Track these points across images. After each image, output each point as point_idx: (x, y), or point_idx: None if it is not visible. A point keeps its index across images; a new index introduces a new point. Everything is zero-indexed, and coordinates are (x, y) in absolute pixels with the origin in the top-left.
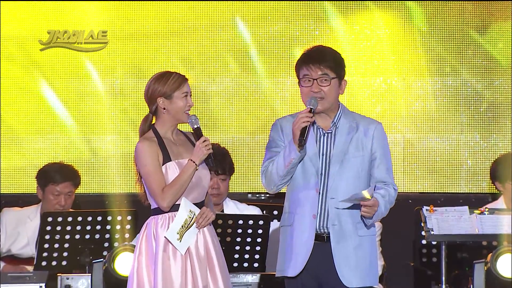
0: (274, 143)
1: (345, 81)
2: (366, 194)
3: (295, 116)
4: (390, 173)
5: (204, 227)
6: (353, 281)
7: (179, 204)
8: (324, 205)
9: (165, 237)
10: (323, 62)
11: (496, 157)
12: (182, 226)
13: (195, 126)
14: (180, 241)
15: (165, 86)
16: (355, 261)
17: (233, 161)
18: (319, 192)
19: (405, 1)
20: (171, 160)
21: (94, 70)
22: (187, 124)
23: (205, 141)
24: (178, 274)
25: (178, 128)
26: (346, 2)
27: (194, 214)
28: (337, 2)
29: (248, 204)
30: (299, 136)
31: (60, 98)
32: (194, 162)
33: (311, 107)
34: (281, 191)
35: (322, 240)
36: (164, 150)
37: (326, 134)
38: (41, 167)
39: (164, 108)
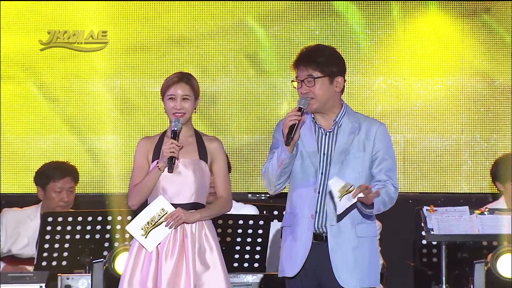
0: (276, 144)
1: (342, 78)
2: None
3: None
4: (391, 173)
5: (174, 227)
6: (350, 282)
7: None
8: (322, 204)
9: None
10: (308, 63)
11: (497, 157)
12: (148, 223)
13: (172, 129)
14: (146, 237)
15: (162, 86)
16: (353, 262)
17: (234, 161)
18: (318, 192)
19: (406, 1)
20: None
21: (94, 70)
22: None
23: (171, 144)
24: (145, 270)
25: (195, 128)
26: (346, 2)
27: (166, 213)
28: (337, 2)
29: (246, 204)
30: (287, 134)
31: (60, 98)
32: (157, 164)
33: (301, 106)
34: (281, 191)
35: (320, 239)
36: (158, 149)
37: (327, 133)
38: (38, 169)
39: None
